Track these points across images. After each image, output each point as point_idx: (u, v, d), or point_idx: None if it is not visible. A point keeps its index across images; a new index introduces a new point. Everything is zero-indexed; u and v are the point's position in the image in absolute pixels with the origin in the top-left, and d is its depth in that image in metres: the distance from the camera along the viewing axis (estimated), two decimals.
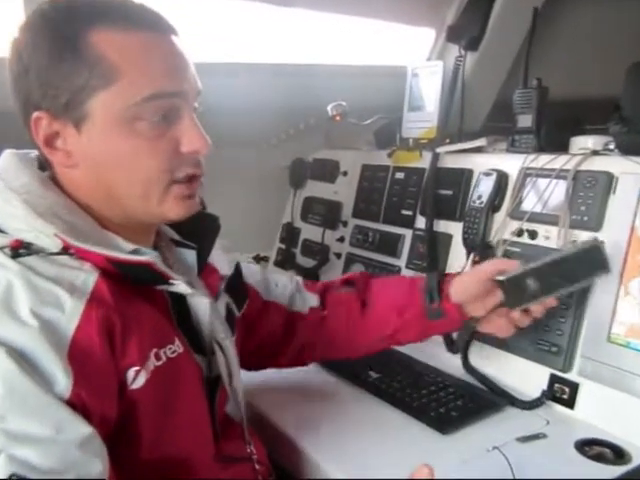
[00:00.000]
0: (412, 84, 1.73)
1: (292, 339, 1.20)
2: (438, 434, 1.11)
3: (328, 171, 1.96)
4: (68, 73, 0.76)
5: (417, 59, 1.83)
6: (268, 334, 1.18)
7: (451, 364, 1.38)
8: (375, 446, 1.08)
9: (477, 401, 1.21)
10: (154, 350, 0.78)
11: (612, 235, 1.16)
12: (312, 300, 1.23)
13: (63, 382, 0.67)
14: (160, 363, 0.78)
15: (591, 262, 1.12)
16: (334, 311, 1.22)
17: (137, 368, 0.75)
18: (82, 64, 0.75)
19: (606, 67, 1.25)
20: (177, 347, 0.82)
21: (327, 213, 1.92)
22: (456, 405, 1.19)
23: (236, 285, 1.07)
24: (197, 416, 0.89)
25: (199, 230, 0.97)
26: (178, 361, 0.82)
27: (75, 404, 0.67)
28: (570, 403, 1.18)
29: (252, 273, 1.19)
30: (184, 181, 0.83)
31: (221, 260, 1.04)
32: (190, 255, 0.96)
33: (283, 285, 1.23)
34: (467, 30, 1.61)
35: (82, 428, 0.66)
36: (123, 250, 0.79)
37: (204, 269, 0.98)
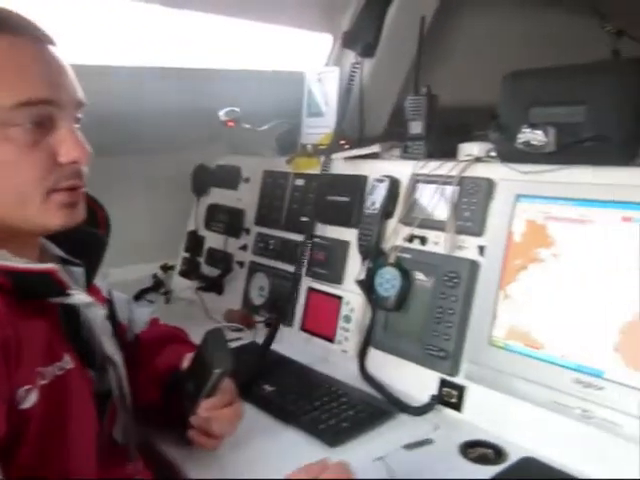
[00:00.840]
0: (310, 90, 1.73)
1: None
2: (327, 447, 1.10)
3: (230, 178, 1.92)
4: None
5: (317, 65, 1.82)
6: None
7: (351, 373, 1.37)
8: (259, 465, 1.05)
9: (369, 410, 1.21)
10: (44, 368, 0.77)
11: (492, 240, 1.19)
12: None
13: None
14: (50, 381, 0.77)
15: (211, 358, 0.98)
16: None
17: (28, 387, 0.73)
18: None
19: (493, 75, 1.28)
20: (66, 363, 0.81)
21: (230, 221, 1.88)
22: (348, 416, 1.18)
23: (111, 314, 1.03)
24: (85, 434, 0.85)
25: (85, 247, 0.95)
26: (68, 377, 0.80)
27: None
28: (458, 406, 1.20)
29: (121, 307, 1.14)
30: (64, 189, 0.81)
31: (101, 285, 1.03)
32: (77, 272, 0.93)
33: (143, 322, 1.23)
34: (362, 36, 1.61)
35: None
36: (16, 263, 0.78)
37: (90, 288, 0.95)
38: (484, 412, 1.16)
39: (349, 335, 1.44)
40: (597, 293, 1.02)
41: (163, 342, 1.19)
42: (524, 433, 1.08)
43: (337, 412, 1.19)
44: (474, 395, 1.18)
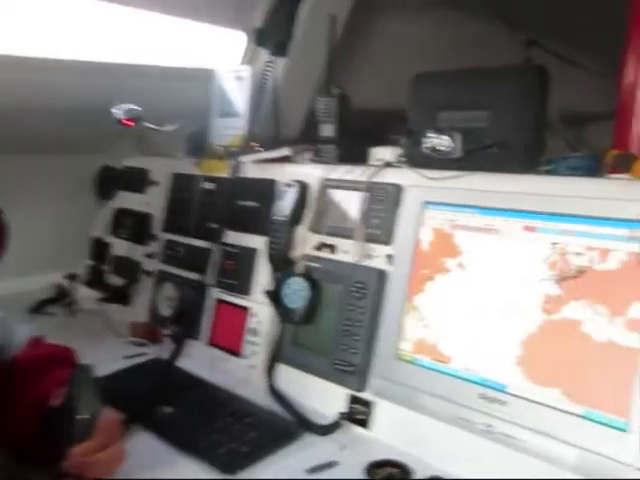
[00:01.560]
0: (221, 89, 1.63)
1: None
2: (224, 474, 1.01)
3: (138, 180, 1.79)
4: None
5: (231, 63, 1.72)
6: None
7: (259, 389, 1.29)
8: None
9: (274, 431, 1.13)
10: None
11: (400, 249, 1.15)
12: None
13: None
14: None
15: None
16: None
17: None
18: None
19: (408, 77, 1.24)
20: None
21: (137, 226, 1.75)
22: (249, 438, 1.10)
23: None
24: None
25: None
26: None
27: None
28: (366, 424, 1.14)
29: None
30: None
31: None
32: None
33: (20, 342, 1.09)
34: (274, 34, 1.54)
35: None
36: None
37: None
38: (392, 429, 1.11)
39: (257, 349, 1.36)
40: (501, 305, 0.99)
41: (43, 366, 1.06)
42: (432, 450, 1.04)
43: (240, 434, 1.11)
44: (382, 412, 1.13)
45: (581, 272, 0.90)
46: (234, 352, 1.40)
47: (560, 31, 1.84)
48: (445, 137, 1.07)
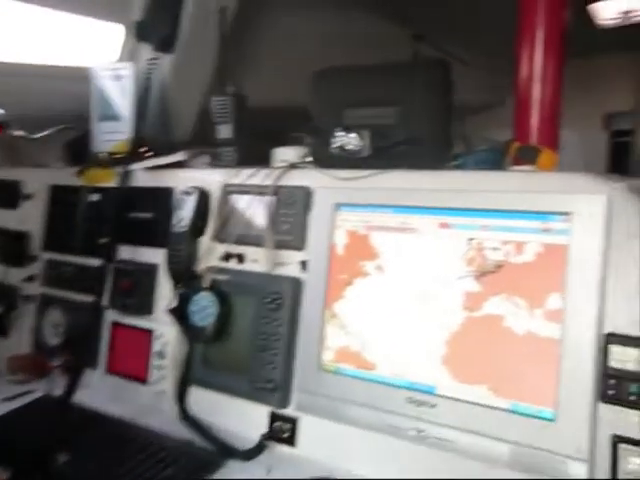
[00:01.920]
0: (101, 89, 1.48)
1: None
2: None
3: (8, 195, 1.58)
4: None
5: (108, 60, 1.57)
6: None
7: (169, 418, 1.18)
8: None
9: (191, 463, 1.03)
10: None
11: (314, 254, 1.09)
12: None
13: None
14: None
15: None
16: None
17: None
18: None
19: (306, 74, 1.18)
20: None
21: (10, 247, 1.54)
22: (165, 476, 1.00)
23: None
24: None
25: None
26: None
27: None
28: (291, 441, 1.08)
29: None
30: None
31: None
32: None
33: None
34: (156, 28, 1.42)
35: None
36: None
37: None
38: (319, 444, 1.05)
39: (165, 373, 1.24)
40: (422, 305, 0.96)
41: None
42: (362, 461, 1.00)
43: (153, 474, 1.00)
44: (308, 427, 1.07)
45: (499, 266, 0.90)
46: (139, 379, 1.27)
47: (445, 28, 1.89)
48: (353, 135, 1.03)
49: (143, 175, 1.36)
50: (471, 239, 0.93)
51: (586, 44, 1.40)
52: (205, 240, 1.23)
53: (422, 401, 0.94)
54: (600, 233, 0.82)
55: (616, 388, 0.81)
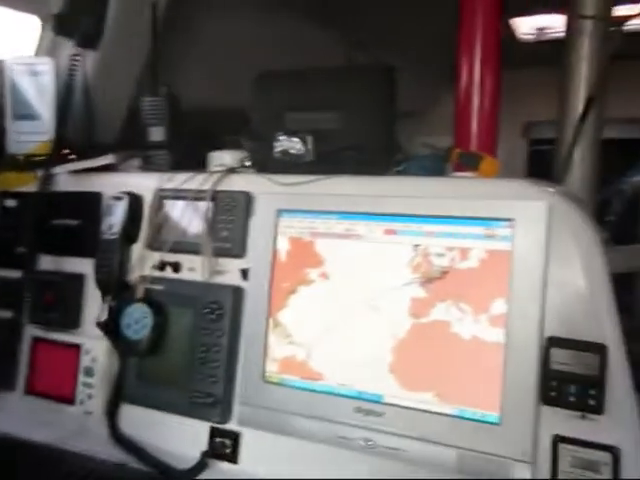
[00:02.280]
0: (15, 85, 1.36)
1: None
2: None
3: None
4: None
5: (23, 54, 1.45)
6: None
7: (100, 439, 1.10)
8: None
9: None
10: None
11: (256, 262, 1.05)
12: None
13: None
14: None
15: None
16: None
17: None
18: None
19: (243, 76, 1.14)
20: None
21: None
22: None
23: None
24: None
25: None
26: None
27: None
28: (234, 457, 1.04)
29: None
30: None
31: None
32: None
33: None
34: (79, 23, 1.32)
35: None
36: None
37: None
38: (263, 459, 1.02)
39: (93, 392, 1.16)
40: (368, 313, 0.95)
41: None
42: (310, 475, 0.97)
43: None
44: (250, 442, 1.03)
45: (444, 272, 0.91)
46: (64, 399, 1.18)
47: (377, 35, 1.91)
48: (296, 139, 1.01)
49: (67, 179, 1.27)
50: (417, 245, 0.93)
51: (508, 57, 1.46)
52: (137, 248, 1.17)
53: (369, 410, 0.93)
54: (541, 239, 0.85)
55: (557, 390, 0.83)
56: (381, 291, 0.95)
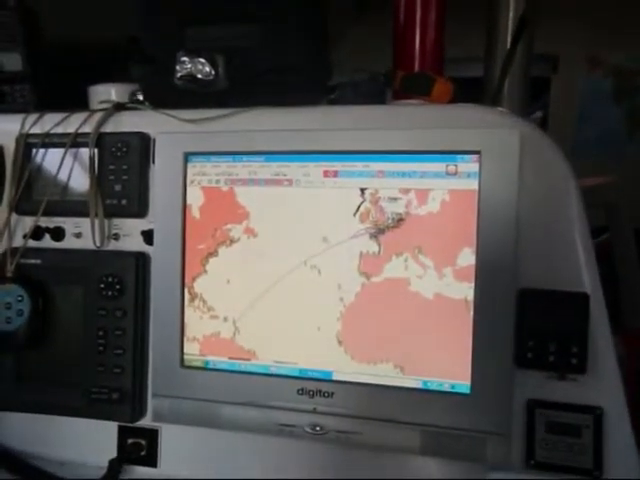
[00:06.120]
0: None
1: None
2: None
3: None
4: None
5: None
6: None
7: None
8: None
9: None
10: None
11: (161, 221, 0.84)
12: None
13: None
14: None
15: None
16: None
17: None
18: None
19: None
20: None
21: None
22: None
23: None
24: None
25: None
26: None
27: None
28: (152, 460, 0.85)
29: None
30: None
31: None
32: None
33: None
34: None
35: None
36: None
37: None
38: (187, 460, 0.84)
39: None
40: (308, 274, 0.78)
41: None
42: (247, 474, 0.81)
43: None
44: (170, 440, 0.85)
45: (399, 220, 0.75)
46: None
47: None
48: (202, 60, 0.78)
49: None
50: (364, 189, 0.76)
51: None
52: (1, 212, 0.90)
53: (316, 390, 0.77)
54: (514, 176, 0.71)
55: (534, 350, 0.72)
56: (322, 247, 0.77)
